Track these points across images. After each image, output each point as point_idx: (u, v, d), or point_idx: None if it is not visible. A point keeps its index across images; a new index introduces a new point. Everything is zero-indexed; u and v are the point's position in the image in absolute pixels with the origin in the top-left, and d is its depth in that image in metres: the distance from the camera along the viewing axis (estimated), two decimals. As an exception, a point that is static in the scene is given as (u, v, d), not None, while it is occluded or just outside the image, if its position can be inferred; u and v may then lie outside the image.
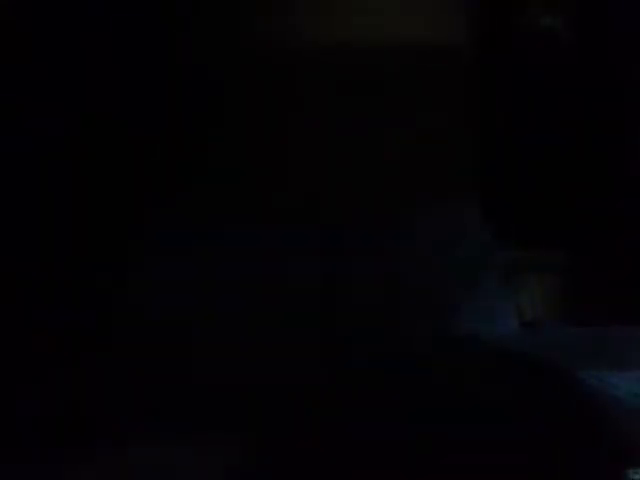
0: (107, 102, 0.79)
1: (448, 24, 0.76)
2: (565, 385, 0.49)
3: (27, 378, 0.61)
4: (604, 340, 0.66)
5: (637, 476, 0.41)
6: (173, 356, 0.67)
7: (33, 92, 0.78)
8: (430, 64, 0.75)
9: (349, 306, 0.72)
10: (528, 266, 0.87)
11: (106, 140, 0.79)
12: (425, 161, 0.77)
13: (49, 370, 0.64)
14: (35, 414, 0.53)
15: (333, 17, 0.77)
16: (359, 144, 0.76)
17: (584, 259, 0.87)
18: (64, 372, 0.64)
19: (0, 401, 0.56)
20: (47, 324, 0.74)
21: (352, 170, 0.77)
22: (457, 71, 0.77)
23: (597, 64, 0.83)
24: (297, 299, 0.71)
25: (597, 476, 0.37)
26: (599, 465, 0.37)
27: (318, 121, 0.75)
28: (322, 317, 0.71)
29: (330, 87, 0.76)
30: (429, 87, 0.75)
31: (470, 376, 0.56)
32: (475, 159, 0.81)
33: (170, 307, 0.73)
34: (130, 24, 0.78)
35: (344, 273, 0.72)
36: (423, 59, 0.73)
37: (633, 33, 0.83)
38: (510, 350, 0.62)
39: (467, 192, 0.80)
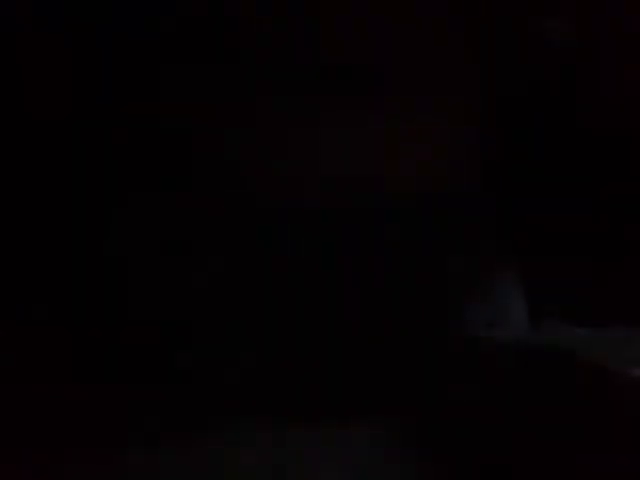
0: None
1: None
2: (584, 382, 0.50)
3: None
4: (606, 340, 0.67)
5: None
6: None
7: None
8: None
9: (358, 302, 0.72)
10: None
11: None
12: (437, 162, 0.77)
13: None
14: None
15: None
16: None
17: (586, 259, 0.87)
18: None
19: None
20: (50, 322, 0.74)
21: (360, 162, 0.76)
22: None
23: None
24: (299, 290, 0.71)
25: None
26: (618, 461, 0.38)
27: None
28: (328, 315, 0.72)
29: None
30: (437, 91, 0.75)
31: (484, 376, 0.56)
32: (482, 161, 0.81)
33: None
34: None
35: (352, 267, 0.72)
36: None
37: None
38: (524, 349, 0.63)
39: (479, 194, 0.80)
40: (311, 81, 0.75)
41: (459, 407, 0.59)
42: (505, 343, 0.69)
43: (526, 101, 0.81)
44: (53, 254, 0.74)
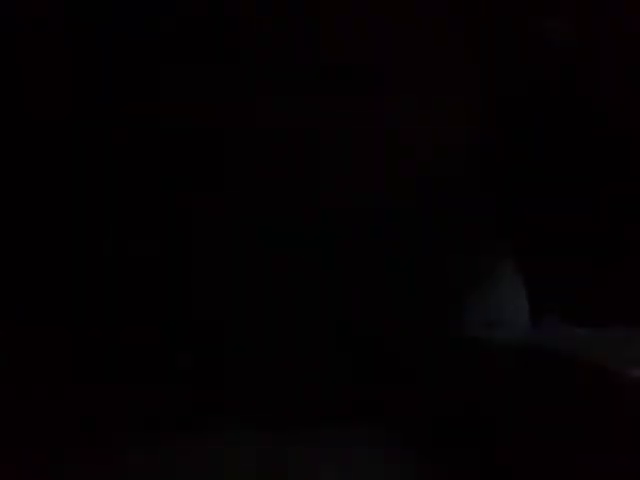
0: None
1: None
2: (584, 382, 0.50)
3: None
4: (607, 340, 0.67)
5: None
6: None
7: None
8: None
9: (358, 303, 0.72)
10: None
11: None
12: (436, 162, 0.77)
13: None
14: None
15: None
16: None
17: (586, 259, 0.87)
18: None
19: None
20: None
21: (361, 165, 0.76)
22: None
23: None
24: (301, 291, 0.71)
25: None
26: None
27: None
28: (328, 315, 0.72)
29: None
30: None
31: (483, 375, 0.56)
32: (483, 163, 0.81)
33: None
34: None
35: (352, 267, 0.72)
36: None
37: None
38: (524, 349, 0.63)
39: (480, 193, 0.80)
40: (311, 81, 0.75)
41: (459, 407, 0.59)
42: (505, 343, 0.69)
43: (526, 101, 0.81)
44: (53, 254, 0.74)
